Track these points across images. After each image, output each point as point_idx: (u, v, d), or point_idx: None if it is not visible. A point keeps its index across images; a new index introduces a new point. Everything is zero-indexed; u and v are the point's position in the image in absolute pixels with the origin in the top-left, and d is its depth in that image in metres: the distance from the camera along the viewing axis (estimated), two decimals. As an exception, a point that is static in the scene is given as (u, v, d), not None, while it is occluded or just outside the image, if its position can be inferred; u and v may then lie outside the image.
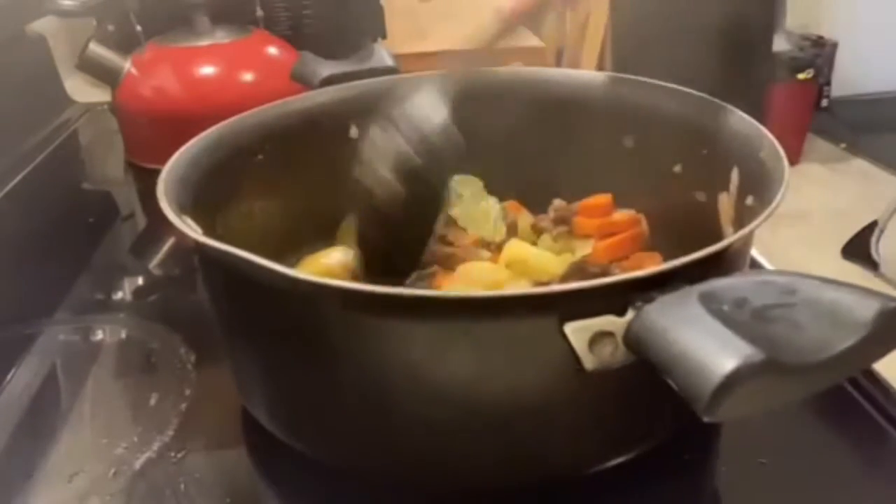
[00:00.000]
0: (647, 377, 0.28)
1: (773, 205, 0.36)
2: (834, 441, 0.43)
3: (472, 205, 0.55)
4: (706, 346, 0.26)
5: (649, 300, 0.29)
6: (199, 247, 0.37)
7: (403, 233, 0.46)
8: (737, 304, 0.27)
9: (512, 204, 0.57)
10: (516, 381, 0.34)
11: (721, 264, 0.34)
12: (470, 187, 0.56)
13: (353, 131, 0.56)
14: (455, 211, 0.56)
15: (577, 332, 0.31)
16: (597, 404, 0.35)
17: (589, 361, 0.31)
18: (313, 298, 0.34)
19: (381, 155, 0.45)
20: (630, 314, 0.30)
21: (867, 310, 0.26)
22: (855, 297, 0.27)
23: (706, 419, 0.26)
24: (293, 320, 0.36)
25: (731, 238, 0.34)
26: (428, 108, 0.46)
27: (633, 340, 0.29)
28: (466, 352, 0.33)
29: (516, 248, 0.51)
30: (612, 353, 0.30)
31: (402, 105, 0.46)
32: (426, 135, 0.45)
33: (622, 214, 0.54)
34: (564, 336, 0.31)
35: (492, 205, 0.55)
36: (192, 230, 0.37)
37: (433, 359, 0.34)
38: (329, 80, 0.56)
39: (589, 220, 0.54)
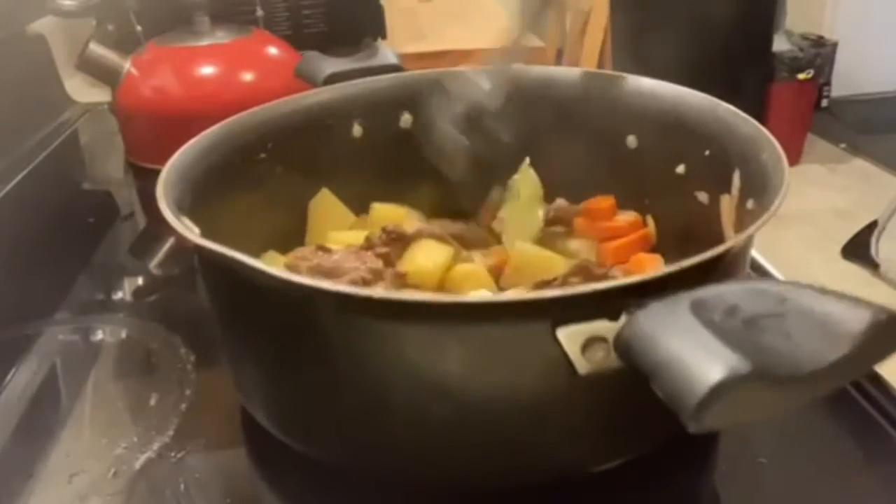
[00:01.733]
0: (642, 381, 0.28)
1: (772, 210, 0.36)
2: (834, 441, 0.43)
3: (523, 214, 0.55)
4: (693, 354, 0.25)
5: (643, 306, 0.29)
6: (198, 248, 0.37)
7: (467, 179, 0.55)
8: (727, 313, 0.27)
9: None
10: (510, 385, 0.34)
11: (719, 269, 0.34)
12: (528, 189, 0.55)
13: (356, 129, 0.56)
14: (504, 212, 0.56)
15: (570, 336, 0.30)
16: (591, 408, 0.35)
17: (582, 366, 0.31)
18: (308, 301, 0.34)
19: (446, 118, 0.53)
20: (623, 319, 0.30)
21: (858, 321, 0.26)
22: (846, 307, 0.27)
23: (692, 429, 0.25)
24: (289, 322, 0.36)
25: (728, 243, 0.34)
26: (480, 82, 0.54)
27: (622, 347, 0.29)
28: (461, 355, 0.33)
29: (522, 250, 0.51)
30: (605, 358, 0.30)
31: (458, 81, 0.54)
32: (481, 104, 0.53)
33: (624, 217, 0.54)
34: (557, 341, 0.31)
35: (540, 218, 0.55)
36: (190, 231, 0.37)
37: (428, 362, 0.34)
38: (333, 78, 0.56)
39: (591, 222, 0.54)
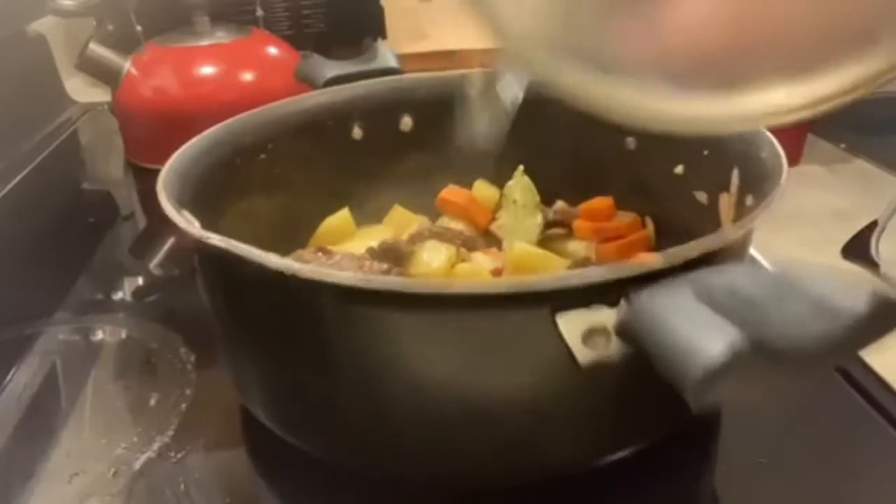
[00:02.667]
0: (643, 372, 0.28)
1: (769, 200, 0.36)
2: (833, 441, 0.43)
3: (521, 218, 0.55)
4: (695, 332, 0.26)
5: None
6: (197, 242, 0.37)
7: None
8: (727, 293, 0.27)
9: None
10: (511, 376, 0.34)
11: (717, 261, 0.34)
12: (524, 195, 0.55)
13: (356, 131, 0.56)
14: (501, 220, 0.56)
15: (570, 324, 0.31)
16: (592, 399, 0.35)
17: (582, 355, 0.31)
18: (307, 292, 0.34)
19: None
20: (623, 306, 0.30)
21: (857, 297, 0.26)
22: (845, 285, 0.27)
23: (694, 405, 0.26)
24: (289, 314, 0.36)
25: (727, 234, 0.34)
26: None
27: (623, 329, 0.29)
28: (461, 346, 0.33)
29: (522, 251, 0.51)
30: (606, 347, 0.30)
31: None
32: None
33: (623, 218, 0.54)
34: (557, 330, 0.31)
35: (539, 222, 0.55)
36: (190, 224, 0.37)
37: (429, 353, 0.34)
38: (333, 81, 0.56)
39: (590, 223, 0.54)
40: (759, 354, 0.25)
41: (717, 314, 0.26)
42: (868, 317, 0.26)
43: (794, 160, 2.61)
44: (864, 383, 0.45)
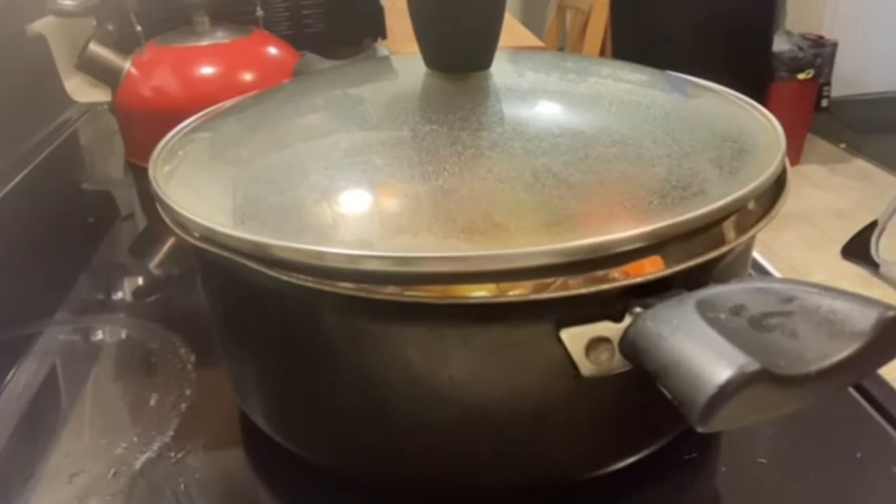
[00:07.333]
0: (647, 383, 0.27)
1: (774, 211, 0.36)
2: (834, 441, 0.43)
3: None
4: (701, 355, 0.25)
5: (647, 306, 0.29)
6: (197, 247, 0.36)
7: None
8: (734, 312, 0.27)
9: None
10: (513, 387, 0.34)
11: (721, 269, 0.34)
12: None
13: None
14: None
15: (574, 337, 0.30)
16: (594, 410, 0.35)
17: (585, 367, 0.30)
18: (309, 302, 0.34)
19: None
20: (627, 320, 0.29)
21: (865, 319, 0.26)
22: (853, 305, 0.27)
23: (700, 429, 0.25)
24: (289, 324, 0.36)
25: (731, 244, 0.34)
26: None
27: (628, 348, 0.29)
28: (463, 357, 0.33)
29: None
30: (609, 360, 0.30)
31: None
32: None
33: None
34: (561, 342, 0.31)
35: None
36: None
37: (430, 363, 0.34)
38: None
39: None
40: (766, 378, 0.24)
41: (723, 335, 0.25)
42: (877, 338, 0.26)
43: (794, 160, 2.62)
44: (865, 383, 0.45)
